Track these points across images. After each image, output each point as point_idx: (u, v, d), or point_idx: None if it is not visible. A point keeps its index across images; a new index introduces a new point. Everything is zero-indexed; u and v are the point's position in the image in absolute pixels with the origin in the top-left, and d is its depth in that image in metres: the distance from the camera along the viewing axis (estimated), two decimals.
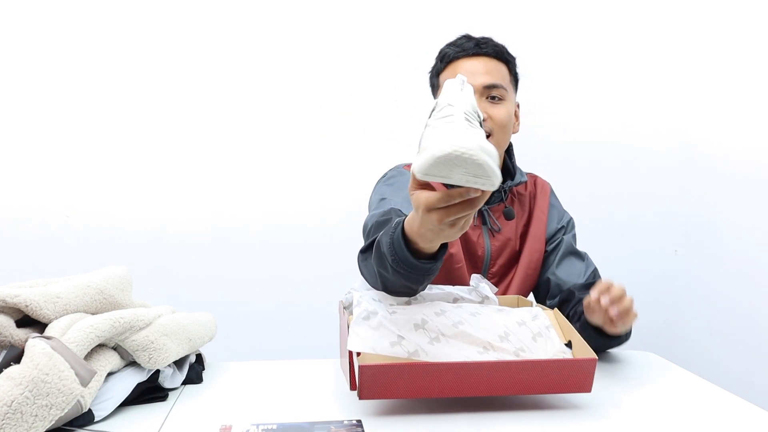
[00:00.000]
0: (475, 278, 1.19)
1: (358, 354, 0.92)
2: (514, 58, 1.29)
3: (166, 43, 2.07)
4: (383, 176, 1.34)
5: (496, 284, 1.28)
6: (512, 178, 1.32)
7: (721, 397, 1.05)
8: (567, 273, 1.29)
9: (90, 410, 0.88)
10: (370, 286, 1.09)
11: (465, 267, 1.26)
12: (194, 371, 1.11)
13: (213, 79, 2.09)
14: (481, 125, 0.84)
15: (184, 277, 2.07)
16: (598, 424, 0.92)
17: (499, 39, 1.29)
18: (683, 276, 1.61)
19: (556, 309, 1.09)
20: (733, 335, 1.49)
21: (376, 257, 0.96)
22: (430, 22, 2.13)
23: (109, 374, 0.95)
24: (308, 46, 2.13)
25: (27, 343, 0.83)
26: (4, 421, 0.74)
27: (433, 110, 0.85)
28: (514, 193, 1.34)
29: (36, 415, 0.77)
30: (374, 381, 0.90)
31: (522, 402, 0.98)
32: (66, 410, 0.81)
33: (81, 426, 0.87)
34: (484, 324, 0.99)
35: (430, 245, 0.86)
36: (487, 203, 1.26)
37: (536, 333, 1.00)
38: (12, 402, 0.75)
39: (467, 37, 1.27)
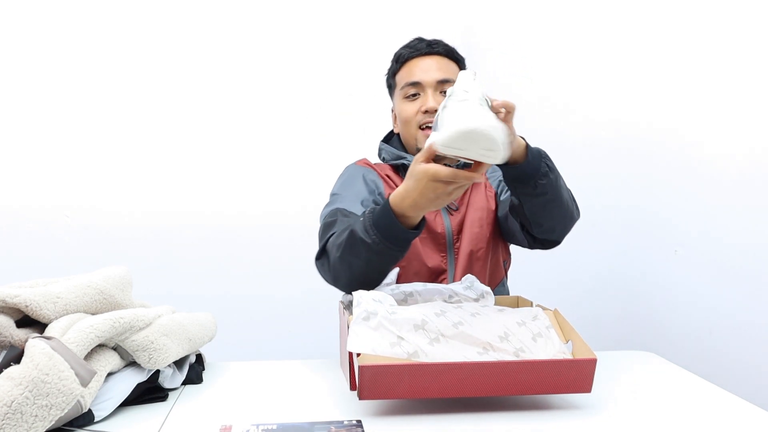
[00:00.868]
0: (468, 278, 1.19)
1: (358, 354, 0.93)
2: (463, 58, 1.37)
3: (166, 43, 2.07)
4: (342, 173, 1.40)
5: (457, 259, 1.30)
6: None
7: (721, 397, 1.05)
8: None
9: (90, 410, 0.88)
10: (391, 279, 1.12)
11: (428, 243, 1.29)
12: (194, 371, 1.11)
13: (213, 80, 2.09)
14: (490, 109, 0.93)
15: (184, 277, 2.07)
16: (598, 424, 0.92)
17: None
18: (683, 276, 1.61)
19: (556, 309, 1.09)
20: (733, 335, 1.49)
21: (347, 247, 1.06)
22: (431, 23, 2.13)
23: (109, 374, 0.95)
24: (308, 46, 2.13)
25: (27, 344, 0.83)
26: (4, 421, 0.74)
27: (449, 96, 0.95)
28: None
29: (36, 415, 0.77)
30: (374, 381, 0.90)
31: (522, 402, 0.98)
32: (66, 410, 0.81)
33: (81, 426, 0.87)
34: (484, 324, 0.99)
35: (418, 214, 1.00)
36: None
37: (536, 333, 1.00)
38: (12, 402, 0.75)
39: (419, 39, 1.36)
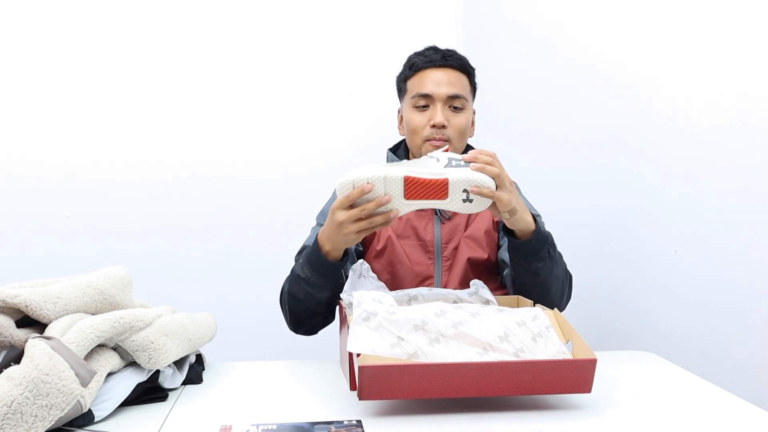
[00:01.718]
0: (475, 284, 1.20)
1: (358, 354, 0.93)
2: (474, 70, 1.40)
3: (165, 44, 2.07)
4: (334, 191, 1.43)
5: (450, 266, 1.34)
6: None
7: (721, 397, 1.05)
8: None
9: (90, 410, 0.88)
10: (353, 277, 1.15)
11: (416, 249, 1.34)
12: (194, 371, 1.11)
13: (213, 80, 2.10)
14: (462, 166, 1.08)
15: (184, 277, 2.07)
16: (598, 424, 0.92)
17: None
18: (683, 276, 1.60)
19: (555, 309, 1.09)
20: (733, 335, 1.49)
21: (292, 284, 1.23)
22: (431, 22, 2.13)
23: (109, 374, 0.95)
24: (308, 46, 2.13)
25: (27, 344, 0.83)
26: (4, 422, 0.74)
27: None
28: None
29: (36, 416, 0.77)
30: (374, 381, 0.90)
31: (522, 402, 0.98)
32: (66, 410, 0.81)
33: (81, 426, 0.87)
34: (483, 325, 0.99)
35: (336, 248, 1.13)
36: None
37: (536, 333, 1.00)
38: (12, 402, 0.75)
39: (435, 49, 1.38)
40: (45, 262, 2.01)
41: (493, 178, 1.07)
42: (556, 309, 1.10)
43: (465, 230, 1.37)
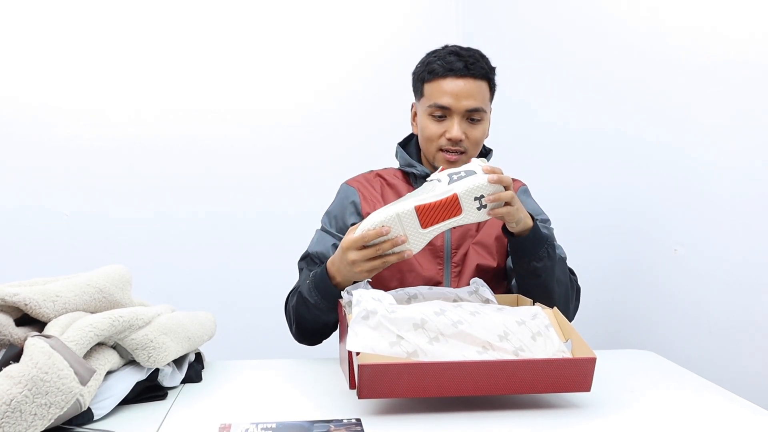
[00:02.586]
0: (476, 282, 1.20)
1: (358, 353, 0.92)
2: (494, 70, 1.33)
3: (164, 44, 2.07)
4: (337, 192, 1.42)
5: (459, 273, 1.32)
6: None
7: (721, 396, 1.05)
8: None
9: (89, 409, 0.88)
10: (369, 286, 1.14)
11: (425, 254, 1.31)
12: (194, 370, 1.11)
13: (212, 81, 2.10)
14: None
15: (183, 276, 2.07)
16: (598, 424, 0.92)
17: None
18: (683, 276, 1.60)
19: (555, 308, 1.09)
20: (733, 335, 1.49)
21: (299, 305, 1.25)
22: (431, 22, 2.13)
23: (109, 373, 0.95)
24: (308, 46, 2.13)
25: (26, 342, 0.83)
26: (3, 420, 0.74)
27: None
28: None
29: (35, 414, 0.77)
30: (373, 380, 0.90)
31: (522, 401, 0.98)
32: (65, 409, 0.81)
33: (80, 424, 0.87)
34: (483, 323, 0.99)
35: (344, 280, 1.14)
36: None
37: (536, 332, 1.00)
38: (11, 401, 0.75)
39: (456, 54, 1.29)
40: (44, 261, 2.01)
41: (506, 203, 1.09)
42: (555, 308, 1.10)
43: (475, 236, 1.35)
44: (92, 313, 1.00)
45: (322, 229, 1.37)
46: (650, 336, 1.67)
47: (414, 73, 1.37)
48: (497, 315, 1.02)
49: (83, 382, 0.84)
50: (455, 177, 1.09)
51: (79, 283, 1.03)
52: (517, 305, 1.16)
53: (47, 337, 0.85)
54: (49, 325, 0.93)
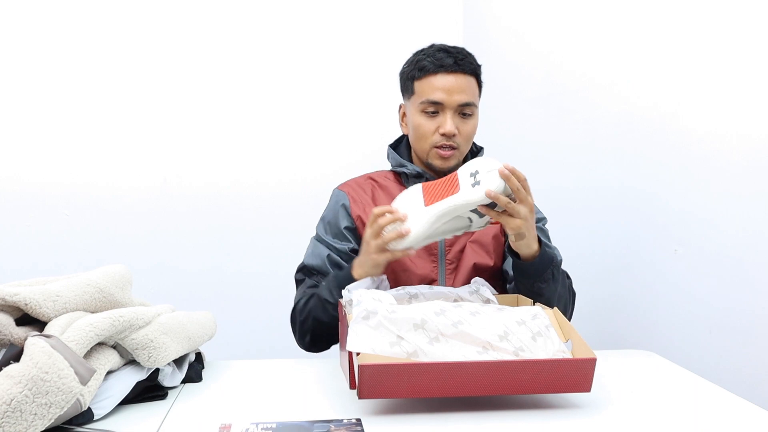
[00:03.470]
0: (476, 281, 1.20)
1: (358, 353, 0.92)
2: (480, 67, 1.36)
3: (163, 44, 2.07)
4: (329, 200, 1.43)
5: (455, 270, 1.33)
6: None
7: (721, 396, 1.05)
8: None
9: (89, 409, 0.88)
10: (369, 286, 1.14)
11: (420, 253, 1.32)
12: (194, 370, 1.11)
13: (211, 80, 2.09)
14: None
15: (183, 276, 2.07)
16: (598, 424, 0.92)
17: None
18: (683, 276, 1.60)
19: (555, 308, 1.09)
20: (732, 335, 1.49)
21: (315, 308, 1.25)
22: (431, 22, 2.13)
23: (109, 373, 0.95)
24: (308, 45, 2.13)
25: (26, 342, 0.83)
26: (3, 420, 0.74)
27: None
28: None
29: (35, 414, 0.77)
30: (374, 380, 0.90)
31: (522, 402, 0.98)
32: (65, 409, 0.81)
33: (80, 424, 0.87)
34: (483, 323, 0.99)
35: (361, 273, 1.18)
36: None
37: (536, 332, 1.00)
38: (11, 400, 0.75)
39: (445, 51, 1.31)
40: (44, 261, 2.01)
41: (513, 191, 1.09)
42: (555, 308, 1.10)
43: (471, 234, 1.34)
44: (92, 312, 1.00)
45: (317, 237, 1.37)
46: (650, 336, 1.67)
47: (402, 73, 1.38)
48: (497, 315, 1.02)
49: (83, 381, 0.84)
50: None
51: (80, 282, 1.03)
52: (518, 305, 1.16)
53: (47, 336, 0.85)
54: (49, 324, 0.93)
